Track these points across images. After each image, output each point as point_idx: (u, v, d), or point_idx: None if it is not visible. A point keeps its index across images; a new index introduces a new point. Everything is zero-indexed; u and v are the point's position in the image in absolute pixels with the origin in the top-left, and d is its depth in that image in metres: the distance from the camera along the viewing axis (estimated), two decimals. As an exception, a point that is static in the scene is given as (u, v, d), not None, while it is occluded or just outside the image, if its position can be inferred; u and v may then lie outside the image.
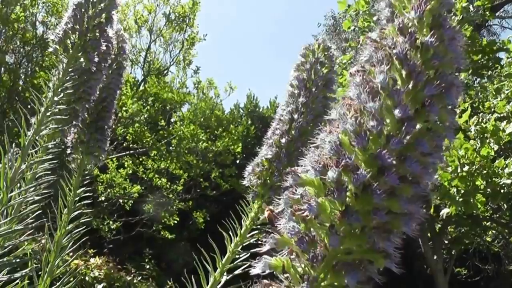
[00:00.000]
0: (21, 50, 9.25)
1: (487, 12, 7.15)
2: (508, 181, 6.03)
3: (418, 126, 0.74)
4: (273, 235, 0.82)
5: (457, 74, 0.78)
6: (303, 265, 0.81)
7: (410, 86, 0.72)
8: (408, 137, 0.72)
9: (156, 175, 10.22)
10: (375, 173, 0.73)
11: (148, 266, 10.26)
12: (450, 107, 0.75)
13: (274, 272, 0.84)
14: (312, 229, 0.79)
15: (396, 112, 0.72)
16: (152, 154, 10.37)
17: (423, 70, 0.72)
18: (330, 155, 0.75)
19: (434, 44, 0.72)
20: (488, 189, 6.14)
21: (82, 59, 1.96)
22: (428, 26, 0.74)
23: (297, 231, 0.78)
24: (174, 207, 10.24)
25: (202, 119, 11.81)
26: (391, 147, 0.72)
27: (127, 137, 9.87)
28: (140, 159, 10.44)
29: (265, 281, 0.83)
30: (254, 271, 0.85)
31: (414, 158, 0.72)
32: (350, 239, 0.76)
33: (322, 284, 0.78)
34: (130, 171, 9.78)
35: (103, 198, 9.33)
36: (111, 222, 9.62)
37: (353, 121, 0.74)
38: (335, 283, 0.77)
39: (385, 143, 0.73)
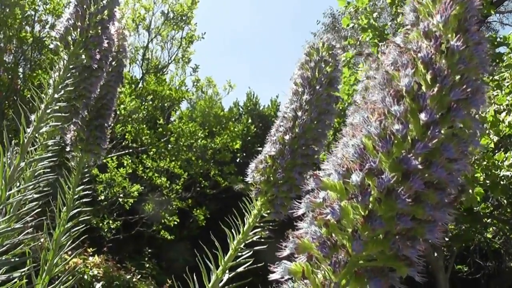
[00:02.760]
0: (19, 50, 9.19)
1: (487, 8, 7.13)
2: (508, 173, 6.02)
3: (442, 131, 0.73)
4: (294, 240, 0.81)
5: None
6: (323, 271, 0.80)
7: (436, 90, 0.71)
8: (433, 142, 0.71)
9: (156, 174, 10.19)
10: (399, 178, 0.72)
11: (147, 265, 10.24)
12: (474, 113, 0.74)
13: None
14: (333, 234, 0.78)
15: (422, 116, 0.71)
16: (151, 153, 10.33)
17: (449, 74, 0.71)
18: (354, 158, 0.74)
19: (460, 49, 0.71)
20: (487, 181, 6.13)
21: (83, 56, 1.94)
22: (453, 31, 0.73)
23: (319, 236, 0.77)
24: (174, 205, 10.22)
25: (201, 118, 11.78)
26: (417, 151, 0.70)
27: (126, 136, 9.84)
28: (140, 158, 10.40)
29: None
30: (273, 276, 0.83)
31: (439, 163, 0.71)
32: (373, 245, 0.75)
33: (344, 290, 0.76)
34: (130, 170, 9.74)
35: (102, 197, 9.29)
36: (110, 221, 9.59)
37: (377, 125, 0.73)
38: (358, 290, 0.76)
39: (410, 147, 0.72)
